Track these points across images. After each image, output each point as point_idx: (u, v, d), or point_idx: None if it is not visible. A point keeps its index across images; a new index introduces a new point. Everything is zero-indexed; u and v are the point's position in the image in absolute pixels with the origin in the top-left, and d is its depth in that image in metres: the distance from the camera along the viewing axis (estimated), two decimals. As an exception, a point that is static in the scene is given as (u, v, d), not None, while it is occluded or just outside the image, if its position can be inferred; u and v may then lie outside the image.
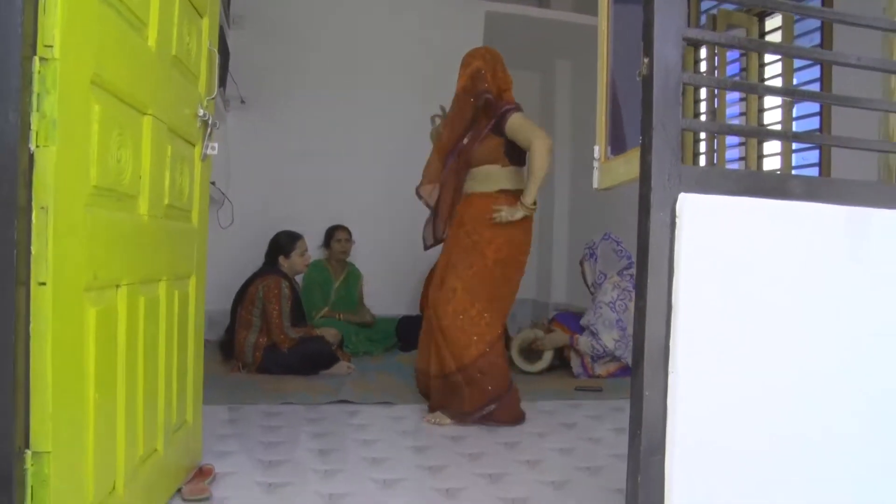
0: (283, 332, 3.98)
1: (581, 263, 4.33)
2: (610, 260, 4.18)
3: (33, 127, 1.17)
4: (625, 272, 4.14)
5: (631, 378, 1.53)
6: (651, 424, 1.45)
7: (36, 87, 1.18)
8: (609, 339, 3.96)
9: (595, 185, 1.97)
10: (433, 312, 3.15)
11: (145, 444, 1.71)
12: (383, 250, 5.65)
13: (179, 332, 1.99)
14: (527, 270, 3.28)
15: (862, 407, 1.46)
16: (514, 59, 7.07)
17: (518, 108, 3.13)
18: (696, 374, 1.46)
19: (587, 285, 4.30)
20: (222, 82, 4.81)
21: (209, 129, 2.17)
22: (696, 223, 1.44)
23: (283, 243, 4.33)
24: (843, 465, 1.46)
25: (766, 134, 4.02)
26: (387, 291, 5.51)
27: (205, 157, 2.18)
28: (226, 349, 4.26)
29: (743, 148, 4.19)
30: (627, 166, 1.74)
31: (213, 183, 5.02)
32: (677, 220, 1.44)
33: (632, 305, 4.13)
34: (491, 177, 3.13)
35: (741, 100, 4.23)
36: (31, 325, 1.18)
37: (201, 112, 2.08)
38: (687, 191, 1.45)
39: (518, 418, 3.04)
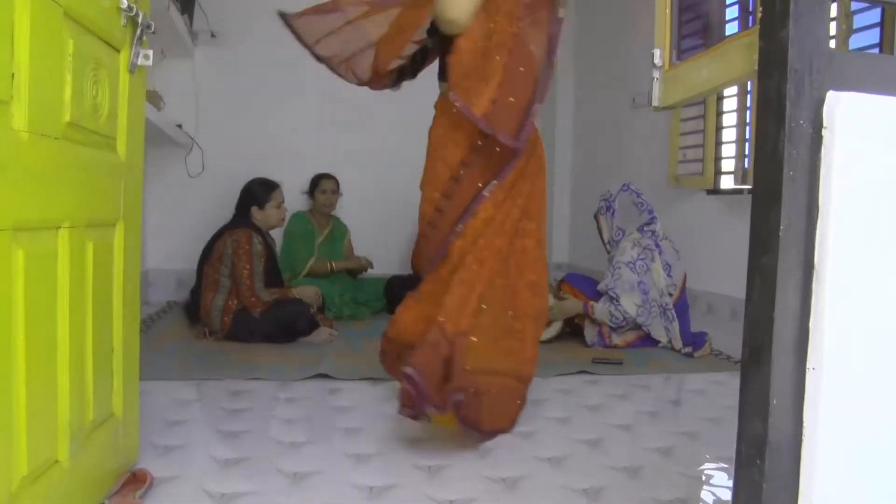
0: (255, 293, 3.48)
1: (596, 218, 3.83)
2: (630, 214, 3.68)
3: None
4: (646, 228, 3.65)
5: (741, 378, 1.04)
6: (778, 451, 0.96)
7: None
8: (630, 304, 3.48)
9: (654, 103, 1.45)
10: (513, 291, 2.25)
11: (37, 456, 1.22)
12: (371, 203, 5.12)
13: (97, 298, 1.49)
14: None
15: None
16: None
17: None
18: (855, 371, 0.96)
19: (603, 243, 3.80)
20: (187, 11, 4.23)
21: (139, 31, 1.63)
22: (854, 136, 0.94)
23: (257, 192, 3.80)
24: None
25: None
26: (375, 248, 4.99)
27: (134, 69, 1.65)
28: (191, 312, 3.76)
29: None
30: (710, 69, 1.23)
31: (179, 126, 4.48)
32: (826, 131, 0.93)
33: (654, 266, 3.64)
34: None
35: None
36: None
37: (125, 4, 1.54)
38: (840, 87, 0.95)
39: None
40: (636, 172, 4.99)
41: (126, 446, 1.72)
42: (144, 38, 1.68)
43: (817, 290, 0.91)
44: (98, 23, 1.44)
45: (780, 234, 0.91)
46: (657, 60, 1.44)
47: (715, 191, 4.34)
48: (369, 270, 4.71)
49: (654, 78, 1.45)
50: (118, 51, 1.59)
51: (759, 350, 0.95)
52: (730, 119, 4.22)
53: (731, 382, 3.02)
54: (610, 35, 5.68)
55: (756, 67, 0.98)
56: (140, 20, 1.61)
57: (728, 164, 4.27)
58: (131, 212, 1.70)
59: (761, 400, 0.94)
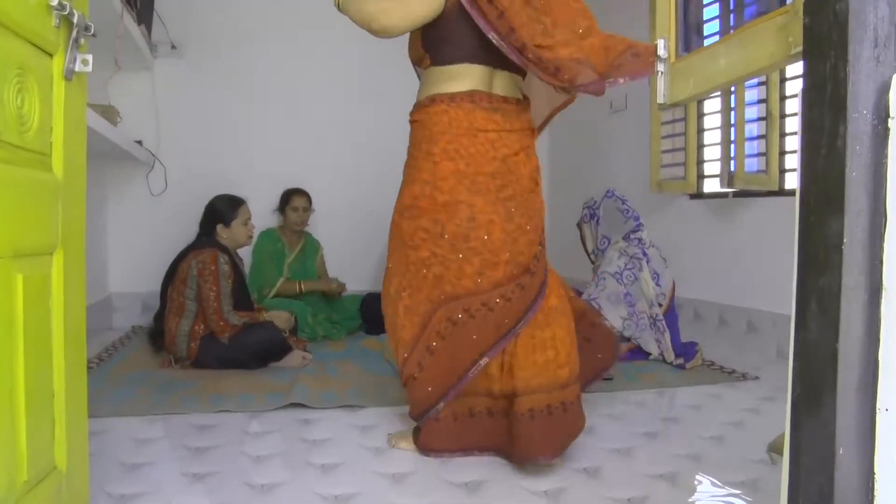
0: (223, 317, 3.27)
1: (579, 226, 3.68)
2: (615, 221, 3.54)
3: None
4: (632, 236, 3.50)
5: (791, 425, 0.88)
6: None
7: None
8: (616, 317, 3.33)
9: (661, 100, 1.30)
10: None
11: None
12: (342, 217, 4.93)
13: (31, 337, 1.29)
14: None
15: None
16: None
17: None
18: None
19: (587, 252, 3.65)
20: (145, 21, 4.03)
21: (75, 33, 1.45)
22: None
23: (222, 209, 3.59)
24: None
25: None
26: (348, 265, 4.81)
27: (71, 75, 1.46)
28: (156, 339, 3.54)
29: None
30: (731, 58, 1.07)
31: (139, 142, 4.27)
32: (893, 122, 0.78)
33: (643, 275, 3.49)
34: None
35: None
36: None
37: (55, 1, 1.35)
38: (907, 72, 0.79)
39: None
40: (616, 178, 4.85)
41: (73, 502, 1.52)
42: (83, 41, 1.49)
43: (887, 315, 0.75)
44: (23, 22, 1.26)
45: (843, 248, 0.75)
46: (661, 52, 1.28)
47: (698, 195, 4.22)
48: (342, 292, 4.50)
49: (658, 72, 1.29)
50: (50, 55, 1.40)
51: (817, 389, 0.78)
52: (711, 121, 4.10)
53: (726, 395, 2.88)
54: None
55: (794, 51, 0.83)
56: (76, 20, 1.43)
57: (711, 168, 4.15)
58: (72, 238, 1.51)
59: (823, 451, 0.78)
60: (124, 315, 4.61)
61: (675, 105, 1.27)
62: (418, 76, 2.26)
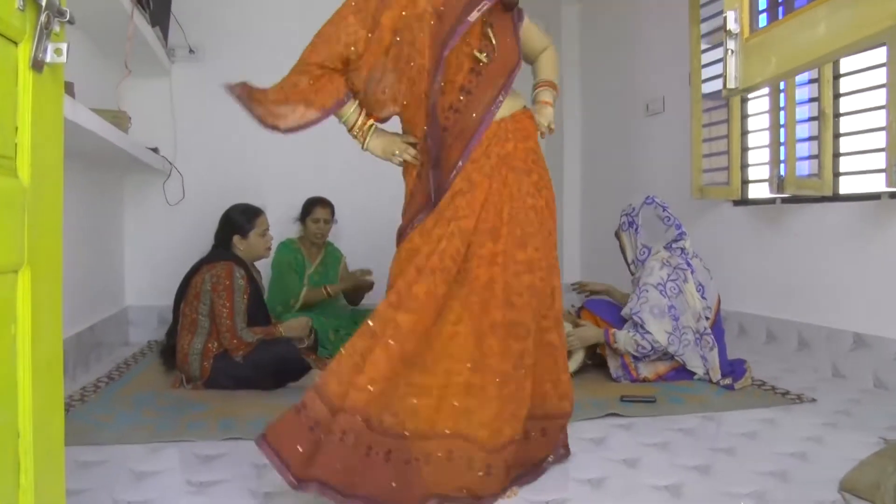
0: (237, 335, 3.08)
1: (617, 235, 3.43)
2: (655, 230, 3.29)
3: None
4: (674, 245, 3.26)
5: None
6: None
7: None
8: (660, 331, 3.08)
9: (731, 84, 1.08)
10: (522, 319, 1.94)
11: None
12: (365, 228, 4.71)
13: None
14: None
15: None
16: (514, 4, 6.18)
17: None
18: None
19: (626, 263, 3.40)
20: (160, 23, 3.87)
21: (44, 18, 1.25)
22: None
23: (239, 220, 3.40)
24: None
25: None
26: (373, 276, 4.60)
27: (40, 67, 1.27)
28: (167, 357, 3.36)
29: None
30: (837, 22, 0.84)
31: (155, 150, 4.11)
32: None
33: (687, 287, 3.19)
34: (515, 90, 2.10)
35: None
36: None
37: (18, -21, 1.16)
38: None
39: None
40: (653, 184, 4.61)
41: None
42: (57, 28, 1.30)
43: None
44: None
45: None
46: (732, 25, 1.05)
47: (742, 201, 3.96)
48: (368, 296, 4.28)
49: (728, 50, 1.06)
50: (14, 43, 1.21)
51: None
52: (756, 122, 3.84)
53: (782, 420, 2.62)
54: (615, 42, 5.34)
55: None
56: (44, 3, 1.24)
57: (756, 172, 3.89)
58: (44, 254, 1.31)
59: None
60: (140, 329, 4.45)
61: (746, 91, 1.05)
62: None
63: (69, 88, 2.48)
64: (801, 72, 0.89)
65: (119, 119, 3.24)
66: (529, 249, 1.95)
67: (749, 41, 1.02)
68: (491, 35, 1.98)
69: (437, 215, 1.93)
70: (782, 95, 3.35)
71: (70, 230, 3.39)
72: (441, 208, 1.93)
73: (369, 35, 1.95)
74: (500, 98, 1.98)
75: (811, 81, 3.35)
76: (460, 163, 1.94)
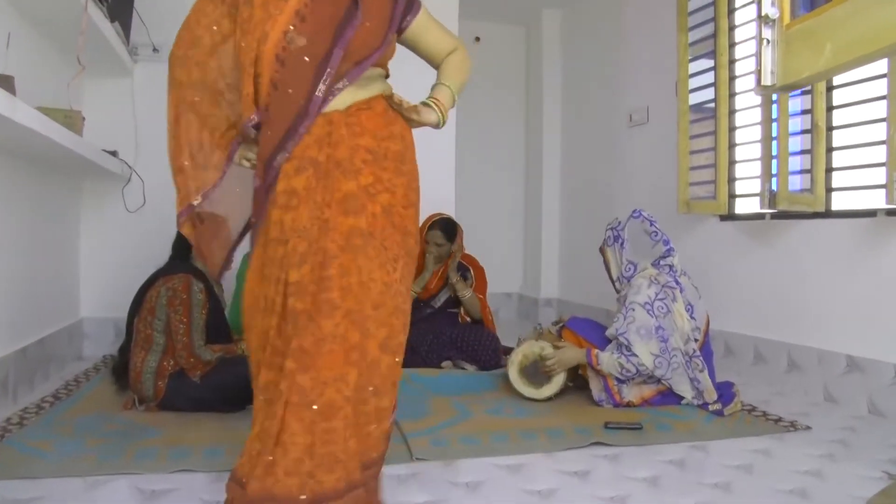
0: (194, 353, 2.85)
1: (602, 250, 3.25)
2: (642, 245, 3.12)
3: None
4: (662, 262, 3.09)
5: None
6: None
7: None
8: (645, 353, 2.90)
9: (766, 81, 0.91)
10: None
11: None
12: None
13: None
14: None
15: None
16: (494, 10, 6.01)
17: None
18: None
19: (611, 280, 3.23)
20: (119, 19, 3.65)
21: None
22: None
23: (199, 230, 3.17)
24: None
25: None
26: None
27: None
28: (119, 375, 3.12)
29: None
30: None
31: (114, 153, 3.88)
32: None
33: (676, 307, 3.00)
34: (372, 81, 1.92)
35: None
36: None
37: None
38: None
39: None
40: (636, 197, 4.47)
41: None
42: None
43: None
44: None
45: None
46: (769, 10, 0.88)
47: (730, 216, 3.82)
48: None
49: (763, 40, 0.89)
50: None
51: None
52: (743, 135, 3.70)
53: (777, 451, 2.45)
54: (598, 48, 5.20)
55: None
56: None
57: (743, 187, 3.75)
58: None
59: None
60: (96, 343, 4.19)
61: (785, 88, 0.88)
62: None
63: (7, 83, 2.25)
64: (867, 62, 0.72)
65: (71, 119, 3.01)
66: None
67: (792, 28, 0.86)
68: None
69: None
70: (775, 106, 3.21)
71: (19, 237, 3.14)
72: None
73: None
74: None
75: (804, 93, 3.21)
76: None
